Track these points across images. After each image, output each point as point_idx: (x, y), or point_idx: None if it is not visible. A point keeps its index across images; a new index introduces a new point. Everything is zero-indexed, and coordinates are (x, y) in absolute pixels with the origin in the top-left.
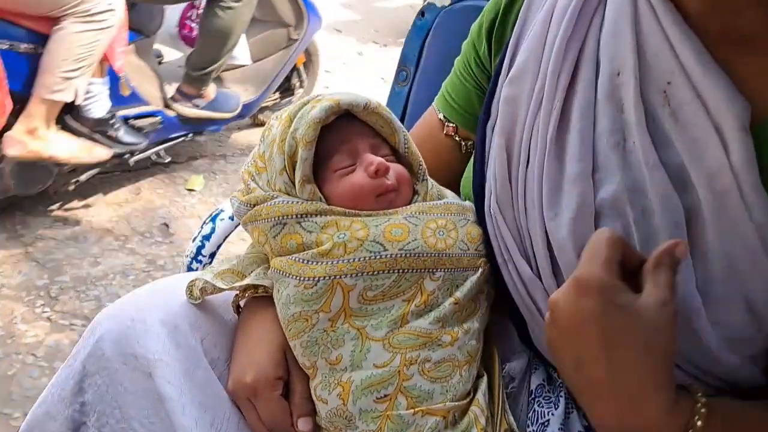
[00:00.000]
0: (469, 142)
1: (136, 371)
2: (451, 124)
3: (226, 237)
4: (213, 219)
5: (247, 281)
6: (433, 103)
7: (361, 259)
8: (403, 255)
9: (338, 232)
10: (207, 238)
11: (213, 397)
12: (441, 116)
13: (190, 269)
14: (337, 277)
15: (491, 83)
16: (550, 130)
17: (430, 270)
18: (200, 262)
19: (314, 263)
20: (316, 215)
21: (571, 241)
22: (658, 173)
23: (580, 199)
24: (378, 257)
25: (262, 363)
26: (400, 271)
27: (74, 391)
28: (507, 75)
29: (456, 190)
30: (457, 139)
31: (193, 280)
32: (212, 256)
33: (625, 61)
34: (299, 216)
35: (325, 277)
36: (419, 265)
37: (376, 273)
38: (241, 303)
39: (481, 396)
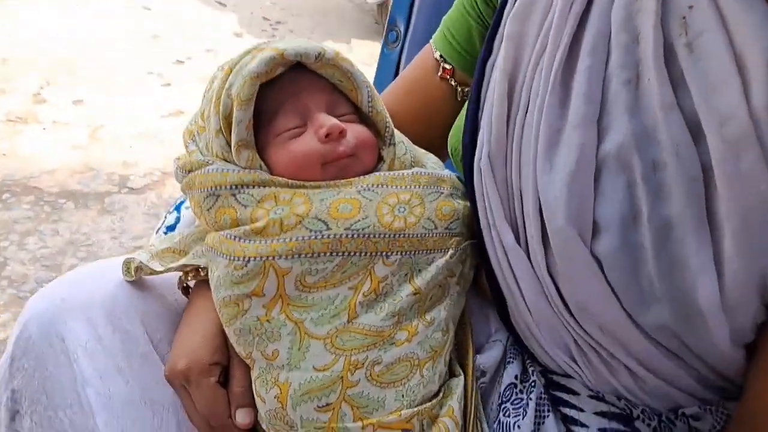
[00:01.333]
0: (466, 89)
1: (62, 355)
2: (448, 66)
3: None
4: (177, 208)
5: (182, 261)
6: (430, 41)
7: (299, 238)
8: (350, 235)
9: (276, 207)
10: (171, 228)
11: (153, 387)
12: (437, 55)
13: None
14: (270, 258)
15: (495, 16)
16: (554, 68)
17: (383, 253)
18: None
19: (246, 241)
20: (253, 186)
21: (563, 202)
22: (674, 116)
23: (580, 150)
24: (319, 237)
25: (196, 348)
26: (345, 254)
27: (5, 378)
28: (513, 6)
29: (444, 146)
30: (452, 83)
31: (129, 259)
32: None
33: None
34: (234, 187)
35: (256, 257)
36: (369, 247)
37: (315, 255)
38: (190, 284)
39: (455, 403)
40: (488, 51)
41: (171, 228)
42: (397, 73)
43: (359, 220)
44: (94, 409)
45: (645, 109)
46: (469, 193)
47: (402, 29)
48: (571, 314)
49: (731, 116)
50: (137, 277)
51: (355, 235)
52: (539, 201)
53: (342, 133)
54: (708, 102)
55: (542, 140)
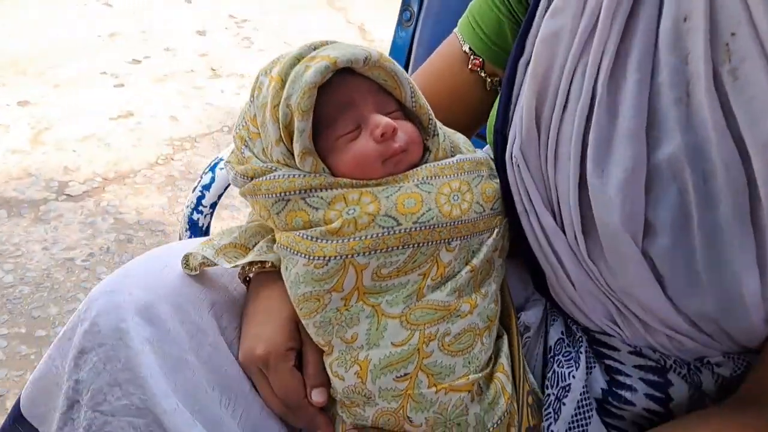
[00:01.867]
0: (496, 79)
1: (129, 348)
2: (478, 58)
3: (228, 186)
4: (212, 168)
5: (249, 258)
6: (455, 31)
7: (374, 236)
8: (418, 228)
9: (347, 208)
10: (207, 188)
11: (222, 374)
12: (466, 48)
13: (191, 220)
14: (349, 256)
15: (528, 14)
16: (602, 76)
17: (446, 240)
18: (201, 212)
19: (323, 241)
20: (321, 189)
21: (617, 205)
22: (725, 138)
23: (633, 159)
24: (391, 233)
25: (272, 334)
26: (415, 245)
27: (70, 368)
28: (548, 6)
29: (472, 131)
30: (482, 75)
31: (191, 253)
32: (213, 206)
33: (694, 4)
34: (303, 191)
35: (336, 256)
36: (434, 237)
37: (390, 249)
38: (250, 275)
39: (504, 359)
40: (520, 49)
41: (206, 187)
42: (410, 52)
43: (424, 213)
44: (163, 394)
45: (697, 126)
46: (502, 183)
47: (415, 8)
48: (613, 291)
49: None
50: (198, 271)
51: (423, 228)
52: (579, 194)
53: (395, 131)
54: (752, 128)
55: (593, 145)
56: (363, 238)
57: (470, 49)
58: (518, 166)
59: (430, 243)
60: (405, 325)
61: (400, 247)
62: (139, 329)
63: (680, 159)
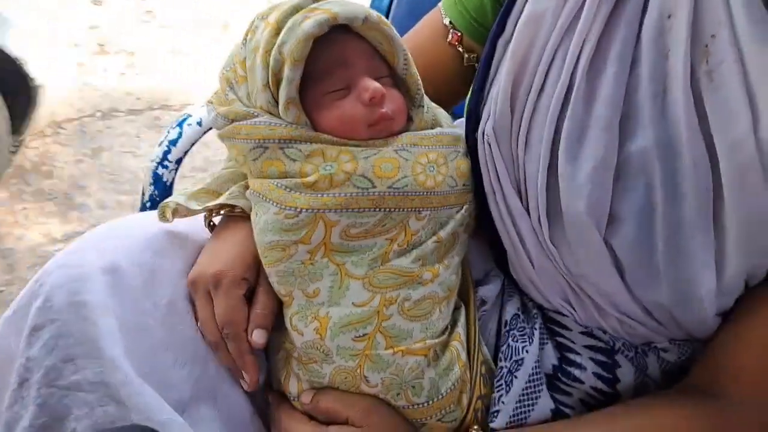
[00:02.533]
0: (473, 55)
1: (85, 320)
2: (457, 32)
3: (194, 143)
4: (180, 124)
5: (221, 200)
6: (439, 5)
7: (348, 194)
8: (392, 193)
9: (324, 163)
10: (173, 143)
11: (180, 334)
12: (447, 21)
13: (155, 174)
14: (321, 210)
15: None
16: (582, 64)
17: (417, 209)
18: (166, 167)
19: (297, 192)
20: (301, 142)
21: (585, 194)
22: (697, 136)
23: (605, 149)
24: (365, 194)
25: (231, 259)
26: (387, 210)
27: (24, 345)
28: None
29: (448, 104)
30: (460, 49)
31: (165, 202)
32: (179, 162)
33: (680, 1)
34: (282, 141)
35: (308, 209)
36: (407, 204)
37: (361, 210)
38: (216, 221)
39: (461, 329)
40: (501, 28)
41: (173, 142)
42: (387, 17)
43: (399, 179)
44: (117, 365)
45: (671, 122)
46: (471, 161)
47: None
48: (572, 274)
49: (740, 145)
50: (173, 219)
51: (396, 193)
52: (547, 180)
53: (383, 97)
54: (722, 130)
55: (567, 132)
56: (336, 195)
57: (450, 22)
58: (489, 144)
59: (401, 209)
60: (367, 287)
61: (372, 210)
62: (98, 295)
63: (651, 153)
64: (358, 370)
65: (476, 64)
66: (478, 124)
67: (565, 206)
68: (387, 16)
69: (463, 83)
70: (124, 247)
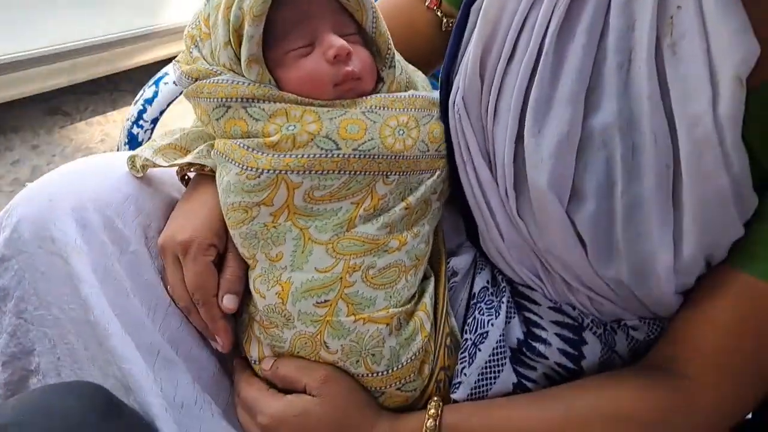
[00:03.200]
0: (452, 20)
1: (53, 255)
2: None
3: (171, 102)
4: (156, 82)
5: (188, 159)
6: None
7: (311, 156)
8: (357, 156)
9: (288, 123)
10: (149, 102)
11: (144, 282)
12: None
13: (130, 134)
14: (283, 172)
15: None
16: (551, 31)
17: (384, 173)
18: (141, 127)
19: (259, 153)
20: (264, 101)
21: (548, 168)
22: (658, 109)
23: (570, 123)
24: (329, 156)
25: (199, 225)
26: (352, 172)
27: None
28: None
29: (426, 69)
30: (438, 14)
31: (133, 155)
32: (155, 121)
33: None
34: (245, 100)
35: (269, 170)
36: (373, 167)
37: (325, 172)
38: (189, 175)
39: (428, 299)
40: None
41: (149, 101)
42: None
43: (365, 142)
44: (90, 304)
45: (633, 95)
46: (445, 129)
47: None
48: (539, 248)
49: (699, 121)
50: (144, 172)
51: (362, 156)
52: (515, 151)
53: (349, 55)
54: (682, 105)
55: (533, 103)
56: (299, 156)
57: None
58: (459, 114)
59: (367, 173)
60: (330, 253)
61: (336, 172)
62: (68, 233)
63: (612, 127)
64: (318, 336)
65: None
66: (448, 92)
67: (530, 179)
68: None
69: (441, 48)
70: (94, 186)
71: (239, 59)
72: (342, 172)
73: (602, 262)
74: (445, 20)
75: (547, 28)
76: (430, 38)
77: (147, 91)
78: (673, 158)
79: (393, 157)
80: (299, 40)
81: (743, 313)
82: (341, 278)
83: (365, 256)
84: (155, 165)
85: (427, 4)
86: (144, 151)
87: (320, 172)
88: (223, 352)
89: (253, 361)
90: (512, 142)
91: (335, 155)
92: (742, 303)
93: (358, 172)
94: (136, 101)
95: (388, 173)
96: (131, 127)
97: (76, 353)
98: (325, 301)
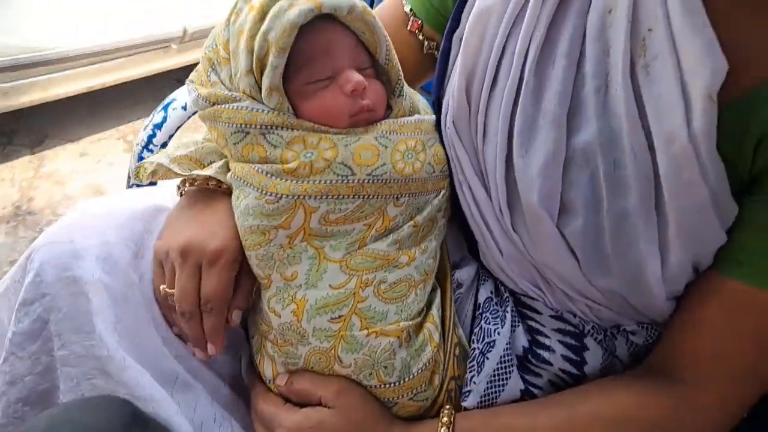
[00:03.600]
0: (433, 43)
1: (75, 295)
2: (417, 20)
3: (179, 127)
4: (165, 108)
5: (209, 172)
6: None
7: (328, 181)
8: (371, 180)
9: (305, 150)
10: (158, 126)
11: (159, 313)
12: (407, 9)
13: (140, 158)
14: (301, 197)
15: None
16: (531, 58)
17: (395, 196)
18: (151, 151)
19: (277, 179)
20: (283, 128)
21: (537, 186)
22: (636, 128)
23: (555, 143)
24: (345, 181)
25: (229, 238)
26: (365, 196)
27: (13, 320)
28: None
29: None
30: (420, 37)
31: (143, 162)
32: (164, 146)
33: None
34: (264, 127)
35: (288, 195)
36: (385, 191)
37: (341, 197)
38: (184, 190)
39: (435, 311)
40: (456, 22)
41: (158, 126)
42: (371, 7)
43: (378, 167)
44: (105, 339)
45: (612, 115)
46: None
47: None
48: (536, 261)
49: (675, 136)
50: (149, 181)
51: (375, 181)
52: (506, 170)
53: (365, 90)
54: (658, 122)
55: (519, 125)
56: (317, 182)
57: (411, 9)
58: (451, 136)
59: (380, 196)
60: (344, 270)
61: (351, 197)
62: (89, 270)
63: (594, 146)
64: (333, 351)
65: (436, 52)
66: (440, 116)
67: (522, 197)
68: (372, 6)
69: (422, 70)
70: (113, 221)
71: (260, 87)
72: (357, 196)
73: (595, 274)
74: (426, 43)
75: (527, 54)
76: (411, 61)
77: (156, 117)
78: (653, 172)
79: (403, 181)
80: (319, 73)
81: (734, 318)
82: (354, 293)
83: (377, 272)
84: (169, 173)
85: (408, 27)
86: (158, 157)
87: (336, 196)
88: (203, 360)
89: (267, 380)
90: (503, 162)
91: (350, 180)
92: (732, 308)
93: (371, 196)
94: (146, 126)
95: (399, 196)
96: (141, 152)
97: (101, 387)
98: (339, 316)
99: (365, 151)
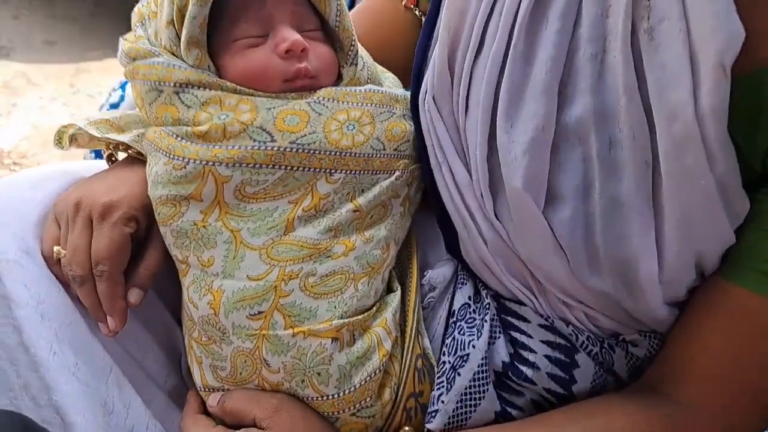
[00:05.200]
0: None
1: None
2: None
3: None
4: (122, 86)
5: (125, 138)
6: None
7: (241, 147)
8: (294, 149)
9: (220, 112)
10: (115, 106)
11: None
12: None
13: None
14: (210, 163)
15: None
16: (521, 17)
17: (327, 170)
18: None
19: (186, 142)
20: (198, 87)
21: (522, 166)
22: (635, 101)
23: (545, 117)
24: (262, 148)
25: (126, 194)
26: (288, 167)
27: None
28: None
29: (399, 69)
30: (417, 13)
31: (64, 126)
32: None
33: None
34: (178, 85)
35: (196, 160)
36: (313, 163)
37: (257, 166)
38: (118, 158)
39: (390, 314)
40: None
41: (114, 106)
42: None
43: (305, 135)
44: (22, 326)
45: (608, 86)
46: (415, 128)
47: None
48: (521, 255)
49: (679, 115)
50: (70, 147)
51: (300, 150)
52: (488, 149)
53: (304, 51)
54: (661, 96)
55: (504, 95)
56: (229, 147)
57: None
58: (430, 111)
59: (306, 169)
60: (264, 259)
61: (270, 166)
62: (3, 250)
63: (588, 122)
64: (257, 353)
65: None
66: (419, 90)
67: (505, 179)
68: (353, 5)
69: None
70: (27, 200)
71: (180, 41)
72: (277, 166)
73: (584, 272)
74: (423, 19)
75: (517, 13)
76: (409, 39)
77: (113, 95)
78: (652, 154)
79: (338, 153)
80: (250, 29)
81: (739, 335)
82: (276, 287)
83: (303, 263)
84: (88, 137)
85: (404, 3)
86: (76, 121)
87: (252, 165)
88: (109, 336)
89: (198, 388)
90: (485, 138)
91: (269, 147)
92: (737, 322)
93: (295, 168)
94: (102, 106)
95: (332, 170)
96: None
97: (9, 380)
98: (259, 312)
99: (292, 116)
